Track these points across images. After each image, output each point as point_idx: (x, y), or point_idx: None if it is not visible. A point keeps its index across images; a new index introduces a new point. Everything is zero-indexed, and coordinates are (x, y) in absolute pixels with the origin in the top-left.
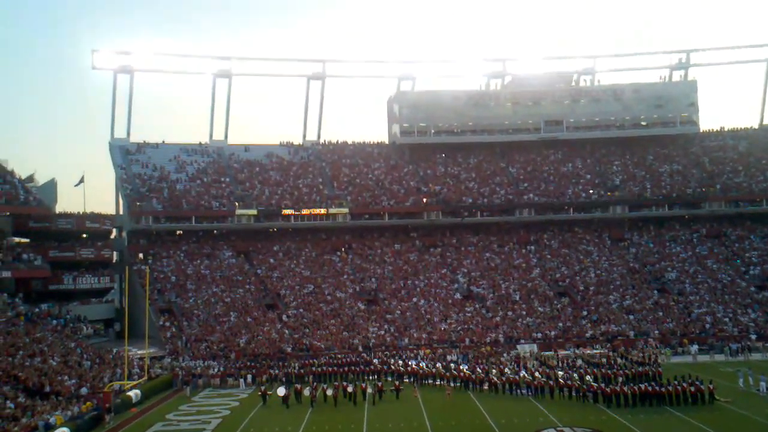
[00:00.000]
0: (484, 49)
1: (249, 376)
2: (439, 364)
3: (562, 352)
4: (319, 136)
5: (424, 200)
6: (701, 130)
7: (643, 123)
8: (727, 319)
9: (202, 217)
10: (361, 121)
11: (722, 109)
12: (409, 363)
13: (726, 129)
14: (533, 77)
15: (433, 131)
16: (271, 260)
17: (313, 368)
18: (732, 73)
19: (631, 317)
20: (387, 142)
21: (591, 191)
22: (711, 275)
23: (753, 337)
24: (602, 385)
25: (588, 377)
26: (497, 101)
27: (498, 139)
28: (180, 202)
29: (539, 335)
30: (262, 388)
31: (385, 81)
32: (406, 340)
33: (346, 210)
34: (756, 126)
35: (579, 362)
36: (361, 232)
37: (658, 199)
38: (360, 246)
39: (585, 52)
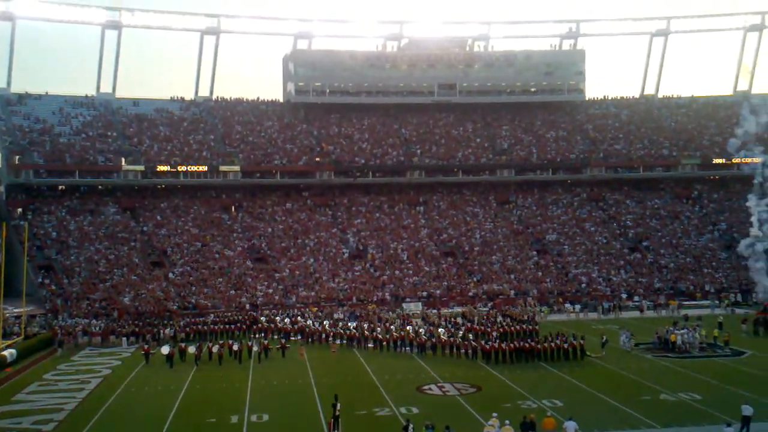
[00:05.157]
0: (381, 11)
1: (131, 336)
2: (326, 322)
3: (444, 311)
4: (211, 93)
5: (317, 160)
6: (587, 98)
7: (533, 89)
8: (601, 279)
9: (86, 172)
10: (256, 79)
11: (607, 79)
12: (297, 321)
13: (610, 98)
14: (429, 41)
15: (328, 91)
16: (159, 217)
17: (199, 326)
18: (618, 44)
19: (512, 277)
20: (282, 100)
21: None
22: (588, 237)
23: (624, 296)
24: (482, 342)
25: (469, 334)
26: (393, 63)
27: (393, 101)
28: (63, 155)
29: (425, 294)
30: (146, 346)
31: (281, 39)
32: (294, 299)
33: (237, 168)
34: (637, 96)
35: (460, 320)
36: (252, 190)
37: (543, 163)
38: (250, 204)
39: (480, 18)
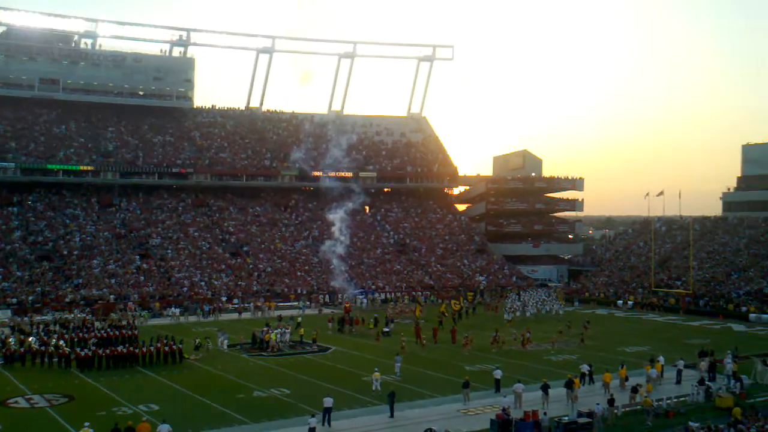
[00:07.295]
0: None
1: None
2: None
3: (37, 318)
4: None
5: None
6: (195, 106)
7: (141, 93)
8: (203, 283)
9: None
10: None
11: (216, 89)
12: None
13: (217, 107)
14: (31, 31)
15: None
16: None
17: None
18: (228, 57)
19: (113, 281)
20: None
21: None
22: (192, 242)
23: (224, 299)
24: (77, 349)
25: (62, 342)
26: None
27: None
28: None
29: (15, 300)
30: None
31: None
32: None
33: None
34: (243, 108)
35: (54, 327)
36: None
37: (149, 167)
38: None
39: (87, 14)
